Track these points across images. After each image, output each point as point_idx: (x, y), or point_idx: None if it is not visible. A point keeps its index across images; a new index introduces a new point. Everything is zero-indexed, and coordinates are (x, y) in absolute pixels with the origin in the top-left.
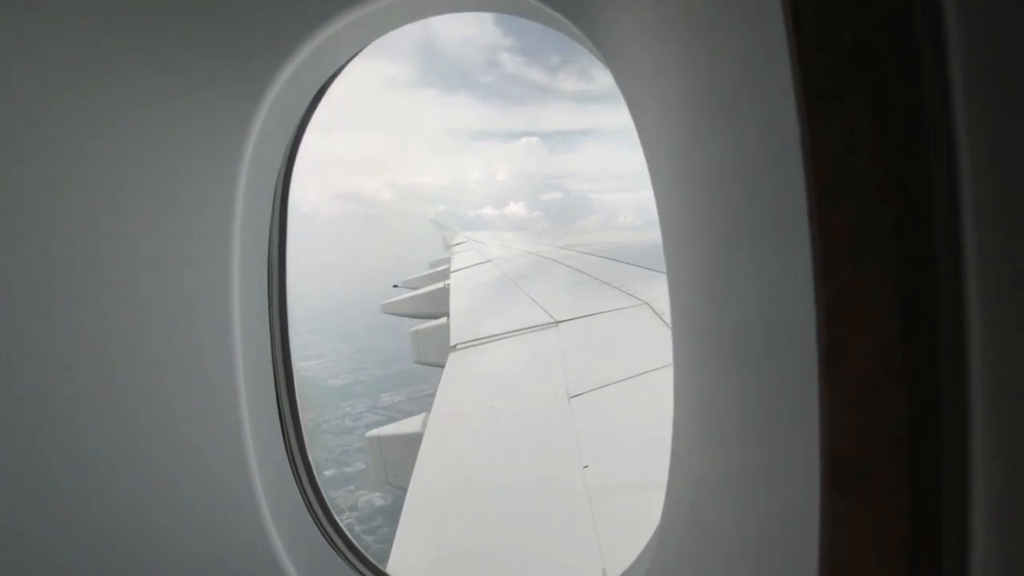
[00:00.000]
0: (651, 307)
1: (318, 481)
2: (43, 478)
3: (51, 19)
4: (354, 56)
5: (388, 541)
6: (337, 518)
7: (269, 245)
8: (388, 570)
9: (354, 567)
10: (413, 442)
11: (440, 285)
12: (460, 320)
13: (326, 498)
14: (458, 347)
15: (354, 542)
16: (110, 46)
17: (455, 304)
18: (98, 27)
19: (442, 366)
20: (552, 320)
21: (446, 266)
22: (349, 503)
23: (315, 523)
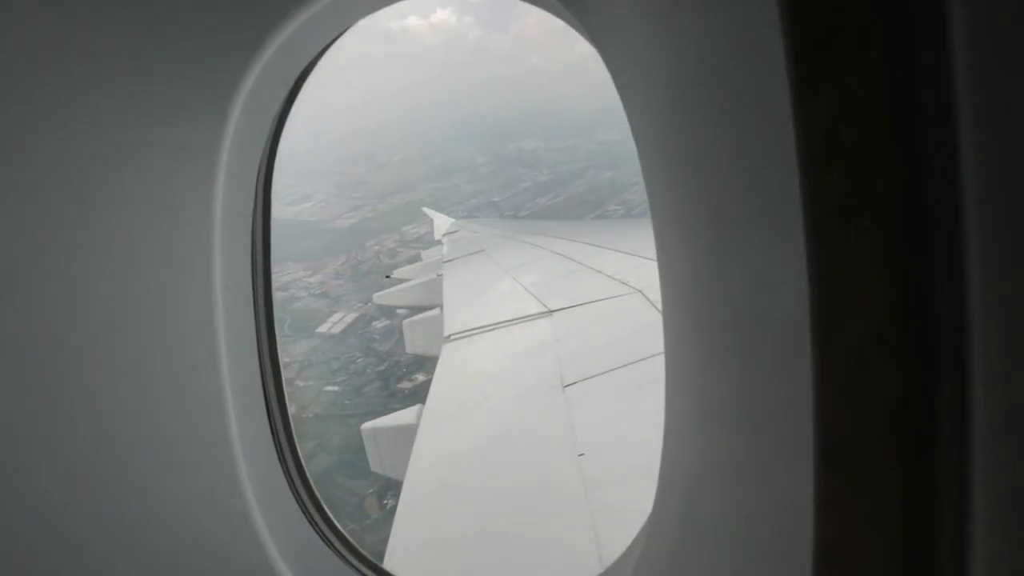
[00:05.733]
0: (643, 294)
1: (309, 476)
2: (26, 480)
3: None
4: (330, 45)
5: None
6: (330, 513)
7: (252, 239)
8: (385, 564)
9: (349, 563)
10: (408, 433)
11: (433, 276)
12: (453, 310)
13: (317, 494)
14: (452, 338)
15: (348, 537)
16: (76, 39)
17: (448, 294)
18: (59, 20)
19: (436, 357)
20: (546, 309)
21: (438, 256)
22: None
23: (307, 519)
